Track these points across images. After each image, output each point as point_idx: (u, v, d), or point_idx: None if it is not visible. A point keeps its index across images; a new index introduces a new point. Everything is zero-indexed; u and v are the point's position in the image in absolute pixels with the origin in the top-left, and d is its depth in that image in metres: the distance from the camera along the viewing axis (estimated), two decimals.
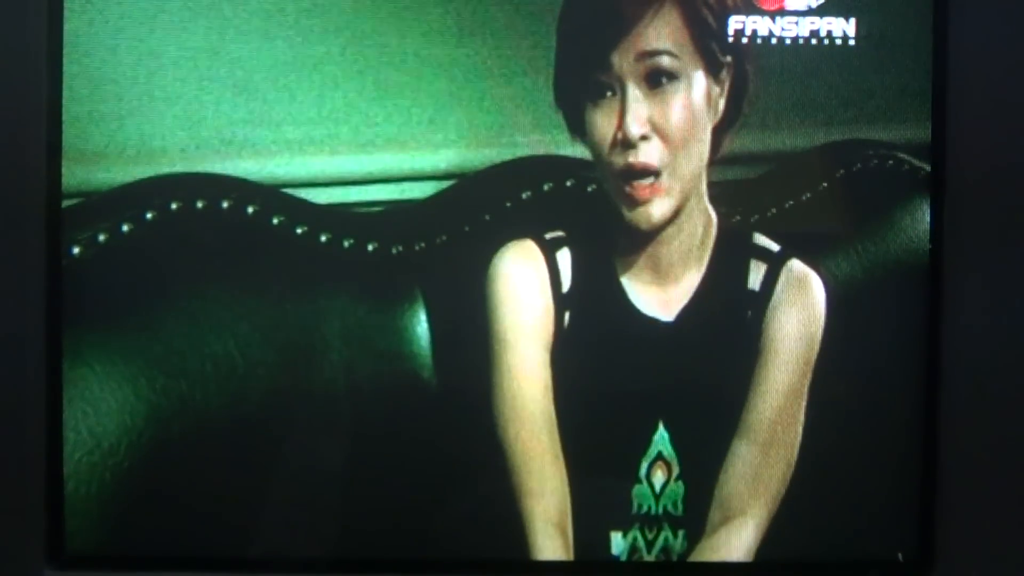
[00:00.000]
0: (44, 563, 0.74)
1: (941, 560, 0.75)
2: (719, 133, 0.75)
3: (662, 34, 0.73)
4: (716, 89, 0.75)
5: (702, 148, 0.75)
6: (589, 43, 0.74)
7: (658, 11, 0.73)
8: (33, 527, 0.73)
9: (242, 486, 0.75)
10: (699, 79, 0.74)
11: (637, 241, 0.76)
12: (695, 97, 0.74)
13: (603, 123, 0.74)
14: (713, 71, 0.74)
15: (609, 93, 0.74)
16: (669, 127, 0.74)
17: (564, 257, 0.76)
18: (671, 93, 0.74)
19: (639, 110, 0.73)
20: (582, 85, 0.74)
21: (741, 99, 0.75)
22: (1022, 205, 0.74)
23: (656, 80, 0.74)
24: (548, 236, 0.76)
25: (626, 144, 0.74)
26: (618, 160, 0.74)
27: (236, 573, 0.75)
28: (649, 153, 0.74)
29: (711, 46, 0.74)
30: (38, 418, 0.73)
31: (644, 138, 0.74)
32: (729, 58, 0.75)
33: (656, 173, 0.74)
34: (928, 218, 0.76)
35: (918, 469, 0.76)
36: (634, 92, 0.73)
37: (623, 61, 0.73)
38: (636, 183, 0.74)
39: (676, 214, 0.76)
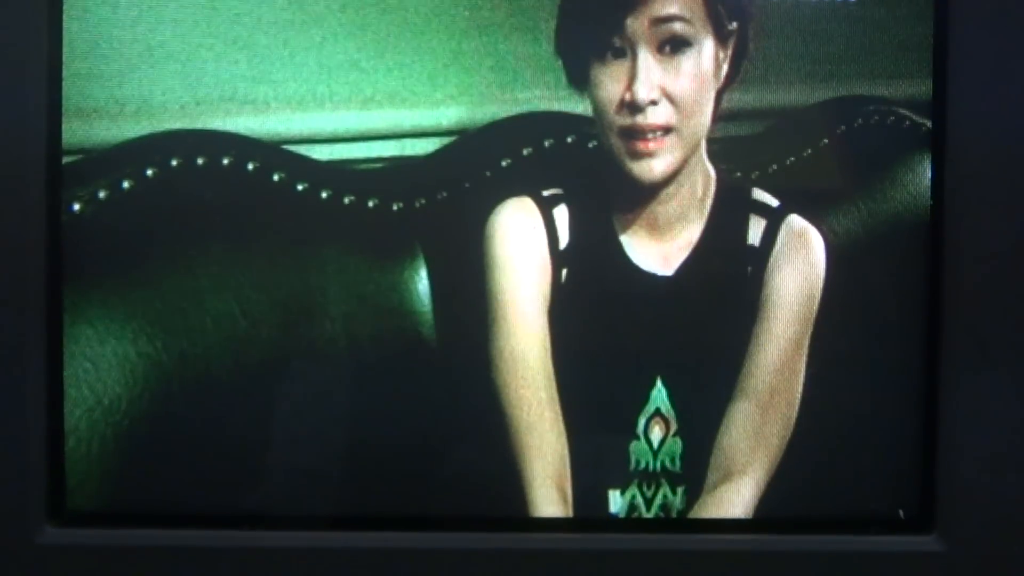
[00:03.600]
0: (45, 520, 0.74)
1: (941, 517, 0.75)
2: (721, 93, 0.76)
3: (675, 2, 0.73)
4: (722, 54, 0.75)
5: (707, 111, 0.75)
6: (600, 3, 0.74)
7: None
8: (34, 484, 0.73)
9: (243, 443, 0.75)
10: (708, 45, 0.74)
11: (636, 197, 0.76)
12: (704, 63, 0.74)
13: (610, 83, 0.74)
14: (721, 38, 0.75)
15: (619, 55, 0.74)
16: (678, 92, 0.74)
17: (561, 213, 0.76)
18: (682, 59, 0.74)
19: (651, 75, 0.74)
20: (589, 41, 0.74)
21: (741, 61, 0.75)
22: (1022, 161, 0.74)
23: (668, 46, 0.74)
24: (545, 193, 0.76)
25: (634, 107, 0.74)
26: (624, 120, 0.74)
27: (237, 530, 0.75)
28: (657, 115, 0.74)
29: (720, 12, 0.74)
30: (38, 375, 0.73)
31: (653, 103, 0.74)
32: (735, 24, 0.75)
33: (662, 132, 0.74)
34: (929, 174, 0.76)
35: (919, 426, 0.76)
36: (645, 57, 0.73)
37: (636, 25, 0.73)
38: (640, 139, 0.74)
39: (677, 171, 0.76)
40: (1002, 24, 0.74)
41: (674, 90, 0.74)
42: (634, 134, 0.74)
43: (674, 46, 0.74)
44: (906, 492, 0.77)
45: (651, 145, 0.74)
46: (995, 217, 0.74)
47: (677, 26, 0.74)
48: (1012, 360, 0.74)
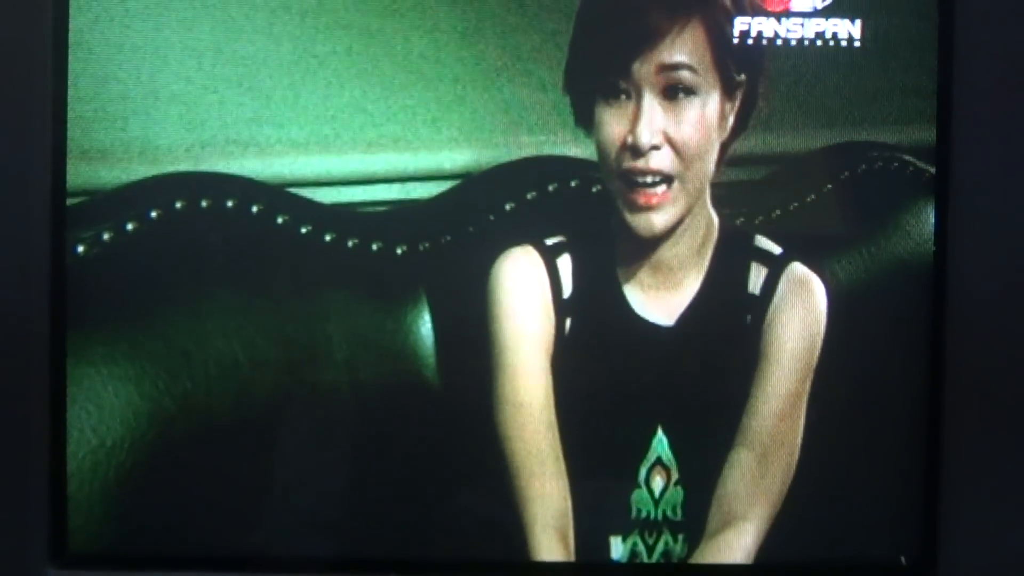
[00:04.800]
0: (47, 561, 0.74)
1: (944, 564, 0.75)
2: (726, 146, 0.76)
3: (685, 49, 0.73)
4: (728, 106, 0.75)
5: (710, 161, 0.75)
6: (609, 45, 0.74)
7: (684, 27, 0.73)
8: (36, 525, 0.73)
9: (245, 485, 0.75)
10: (714, 96, 0.74)
11: (638, 245, 0.76)
12: (709, 113, 0.74)
13: (614, 124, 0.74)
14: (728, 89, 0.74)
15: (624, 97, 0.74)
16: (681, 140, 0.74)
17: (565, 263, 0.76)
18: (687, 107, 0.74)
19: (654, 120, 0.73)
20: (596, 81, 0.74)
21: (749, 114, 0.75)
22: None
23: (673, 92, 0.74)
24: (549, 242, 0.76)
25: (636, 151, 0.74)
26: (625, 164, 0.74)
27: (238, 572, 0.75)
28: (658, 160, 0.74)
29: (728, 65, 0.74)
30: (42, 416, 0.73)
31: (655, 147, 0.74)
32: (743, 76, 0.75)
33: (663, 181, 0.74)
34: (933, 221, 0.76)
35: (921, 472, 0.76)
36: (650, 101, 0.73)
37: (643, 70, 0.73)
38: (641, 189, 0.74)
39: (679, 223, 0.76)
40: (1006, 71, 0.74)
41: (677, 136, 0.74)
42: (635, 181, 0.74)
43: (680, 93, 0.74)
44: (908, 538, 0.76)
45: (652, 199, 0.74)
46: (999, 264, 0.74)
47: (684, 74, 0.73)
48: (1015, 408, 0.74)
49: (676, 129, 0.74)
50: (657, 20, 0.73)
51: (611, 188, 0.75)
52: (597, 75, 0.74)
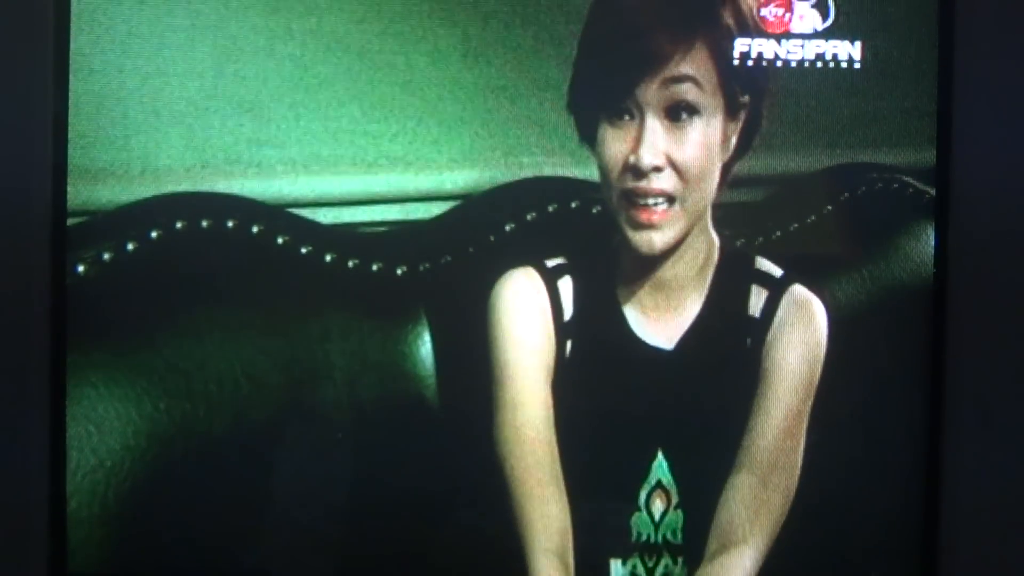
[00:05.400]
0: None
1: None
2: (728, 167, 0.75)
3: (688, 69, 0.73)
4: (731, 126, 0.75)
5: (712, 182, 0.75)
6: (613, 66, 0.74)
7: (688, 48, 0.73)
8: (36, 545, 0.73)
9: (244, 506, 0.75)
10: (717, 116, 0.74)
11: (639, 267, 0.76)
12: (711, 134, 0.74)
13: (617, 144, 0.74)
14: (731, 110, 0.74)
15: (627, 117, 0.74)
16: (683, 162, 0.73)
17: (566, 285, 0.76)
18: (689, 128, 0.73)
19: (656, 141, 0.73)
20: (600, 99, 0.74)
21: (752, 135, 0.75)
22: None
23: (676, 113, 0.73)
24: (550, 264, 0.76)
25: (638, 172, 0.73)
26: (627, 184, 0.74)
27: None
28: (660, 182, 0.73)
29: (732, 85, 0.74)
30: (42, 436, 0.73)
31: (657, 169, 0.73)
32: (747, 98, 0.74)
33: (665, 200, 0.74)
34: (932, 242, 0.76)
35: (921, 496, 0.76)
36: (653, 122, 0.73)
37: (647, 91, 0.73)
38: (643, 207, 0.74)
39: (679, 242, 0.76)
40: (1005, 93, 0.74)
41: (679, 158, 0.73)
42: (636, 200, 0.74)
43: (683, 113, 0.73)
44: (907, 562, 0.76)
45: (654, 217, 0.74)
46: (998, 285, 0.74)
47: (688, 95, 0.73)
48: (1015, 429, 0.74)
49: (679, 150, 0.73)
50: (661, 41, 0.73)
51: (612, 205, 0.75)
52: (601, 95, 0.74)
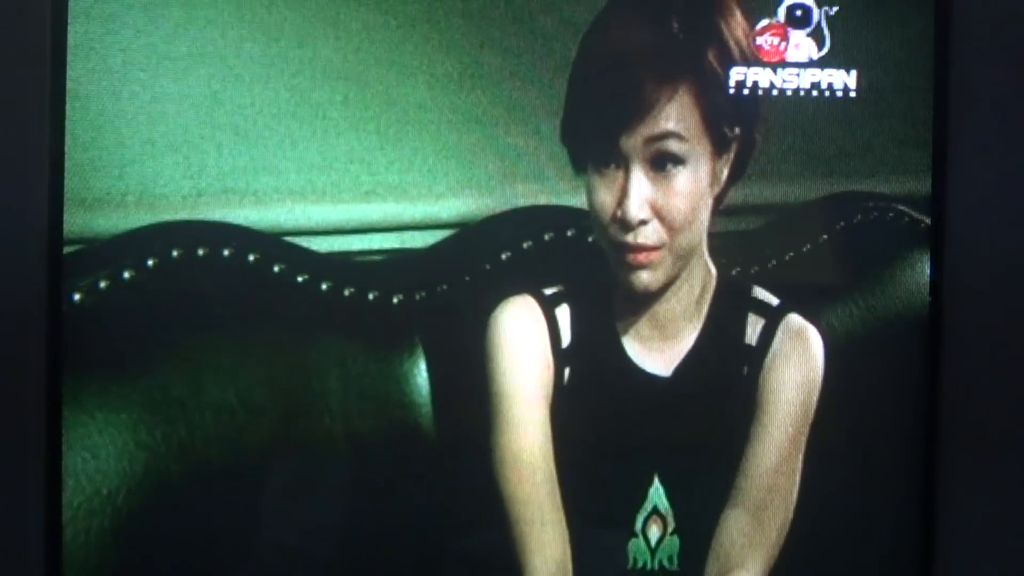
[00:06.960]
0: None
1: None
2: (720, 197, 0.75)
3: (671, 119, 0.72)
4: (721, 162, 0.74)
5: (702, 222, 0.75)
6: (598, 117, 0.74)
7: (671, 97, 0.72)
8: (32, 573, 0.73)
9: (240, 534, 0.75)
10: (704, 161, 0.74)
11: (636, 297, 0.76)
12: (699, 179, 0.74)
13: (604, 194, 0.74)
14: (719, 149, 0.74)
15: (613, 166, 0.73)
16: (670, 211, 0.73)
17: (563, 313, 0.77)
18: (675, 177, 0.73)
19: (641, 192, 0.73)
20: (586, 147, 0.74)
21: (746, 159, 0.75)
22: (1022, 259, 0.74)
23: (661, 163, 0.73)
24: (547, 292, 0.76)
25: (624, 225, 0.73)
26: (616, 234, 0.74)
27: None
28: (647, 235, 0.73)
29: (721, 126, 0.74)
30: (38, 464, 0.73)
31: (643, 222, 0.73)
32: (737, 130, 0.74)
33: (653, 248, 0.74)
34: (928, 271, 0.76)
35: (917, 524, 0.76)
36: (638, 174, 0.73)
37: (631, 143, 0.73)
38: (633, 249, 0.74)
39: (673, 279, 0.75)
40: (1000, 122, 0.75)
41: (665, 208, 0.73)
42: (626, 248, 0.74)
43: (668, 164, 0.73)
44: None
45: (643, 258, 0.74)
46: (993, 314, 0.74)
47: (672, 145, 0.73)
48: (1011, 458, 0.74)
49: (664, 201, 0.73)
50: (645, 93, 0.72)
51: (604, 247, 0.75)
52: (587, 143, 0.74)
